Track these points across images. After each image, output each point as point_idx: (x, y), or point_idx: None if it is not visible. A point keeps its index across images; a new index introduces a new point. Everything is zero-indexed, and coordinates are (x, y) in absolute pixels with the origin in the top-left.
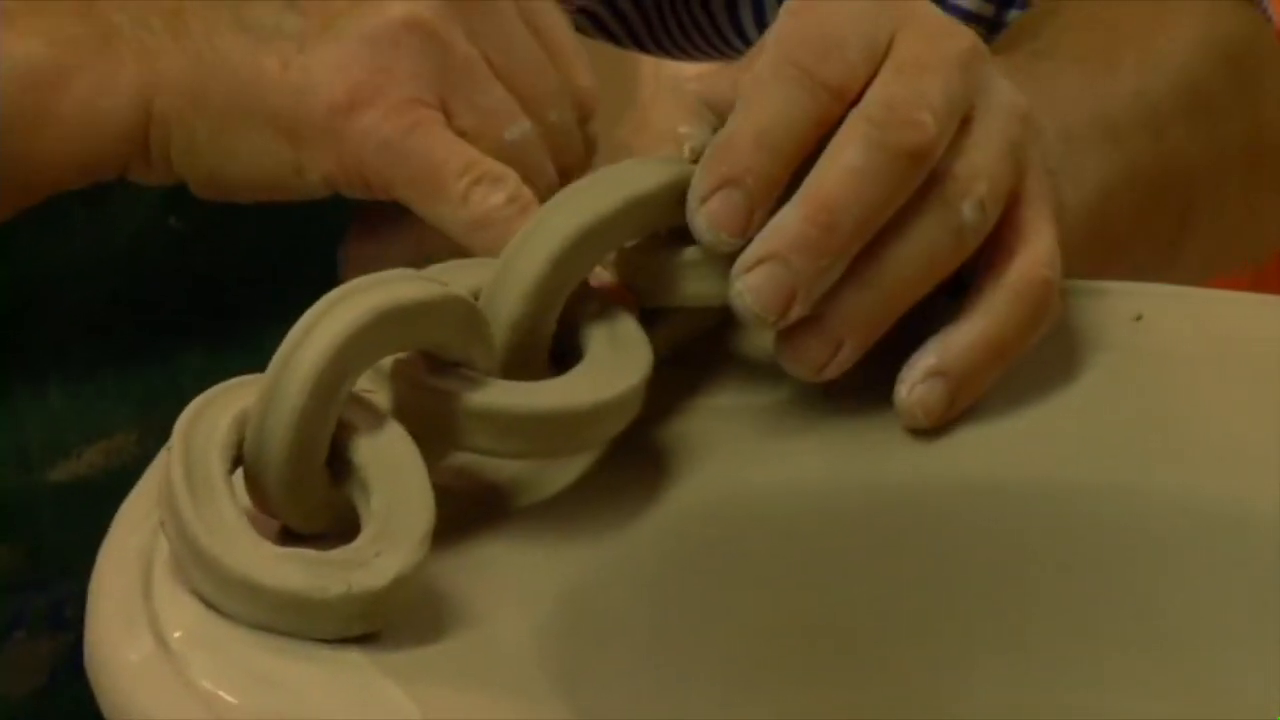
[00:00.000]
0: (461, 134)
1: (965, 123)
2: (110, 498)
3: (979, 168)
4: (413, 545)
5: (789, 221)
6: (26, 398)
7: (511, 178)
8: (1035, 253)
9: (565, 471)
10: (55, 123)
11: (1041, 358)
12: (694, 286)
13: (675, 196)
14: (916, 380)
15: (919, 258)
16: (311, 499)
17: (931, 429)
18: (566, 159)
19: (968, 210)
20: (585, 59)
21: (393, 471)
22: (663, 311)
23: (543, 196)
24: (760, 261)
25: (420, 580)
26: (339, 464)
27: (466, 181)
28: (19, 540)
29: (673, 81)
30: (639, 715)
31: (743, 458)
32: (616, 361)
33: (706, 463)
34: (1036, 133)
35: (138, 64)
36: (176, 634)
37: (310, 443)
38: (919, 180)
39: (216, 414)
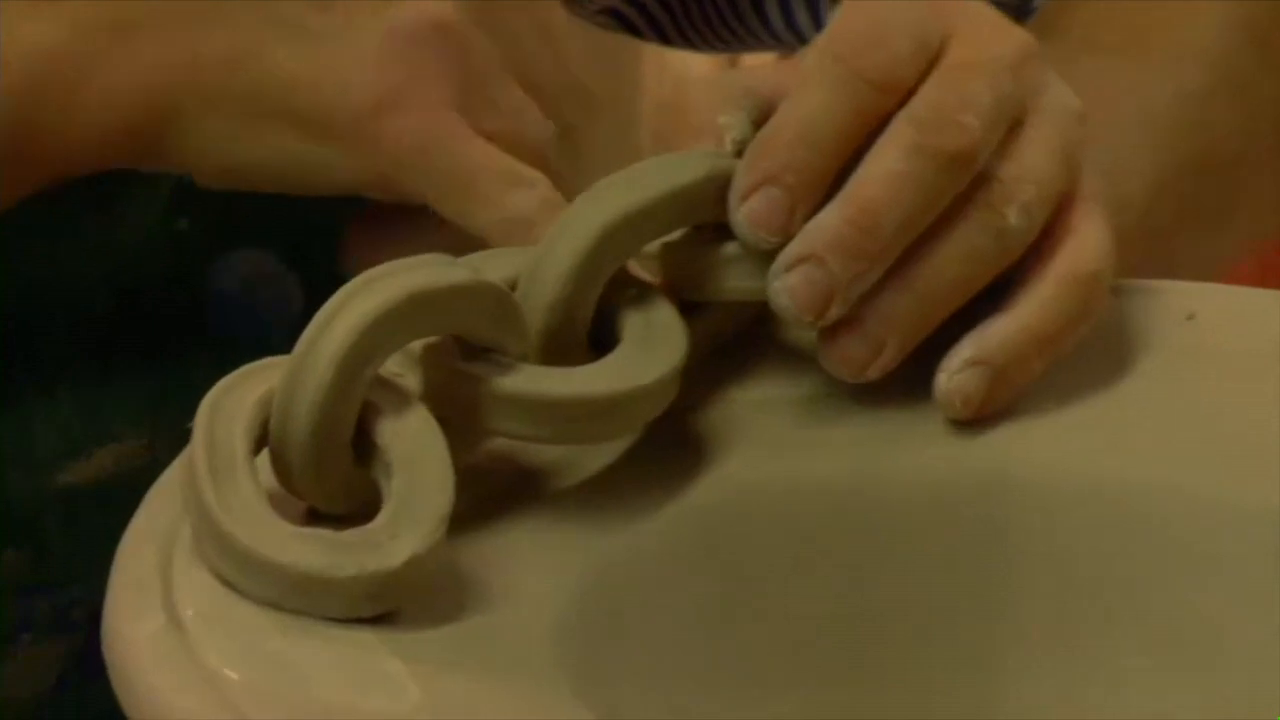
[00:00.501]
0: (486, 136)
1: (1016, 125)
2: (119, 501)
3: (1027, 171)
4: (428, 528)
5: (829, 222)
6: (35, 402)
7: (542, 181)
8: (1084, 247)
9: (596, 458)
10: (73, 108)
11: (1092, 356)
12: (734, 281)
13: (716, 190)
14: (955, 369)
15: (961, 261)
16: (335, 480)
17: (971, 420)
18: (582, 160)
19: (1013, 215)
20: (597, 61)
21: (414, 454)
22: (702, 305)
23: (569, 196)
24: (799, 262)
25: (436, 563)
26: (363, 445)
27: (501, 185)
28: (26, 543)
29: (711, 74)
30: (654, 709)
31: (775, 450)
32: (651, 348)
33: (738, 455)
34: (1089, 133)
35: (158, 53)
36: (189, 611)
37: (334, 423)
38: (962, 184)
39: (242, 394)
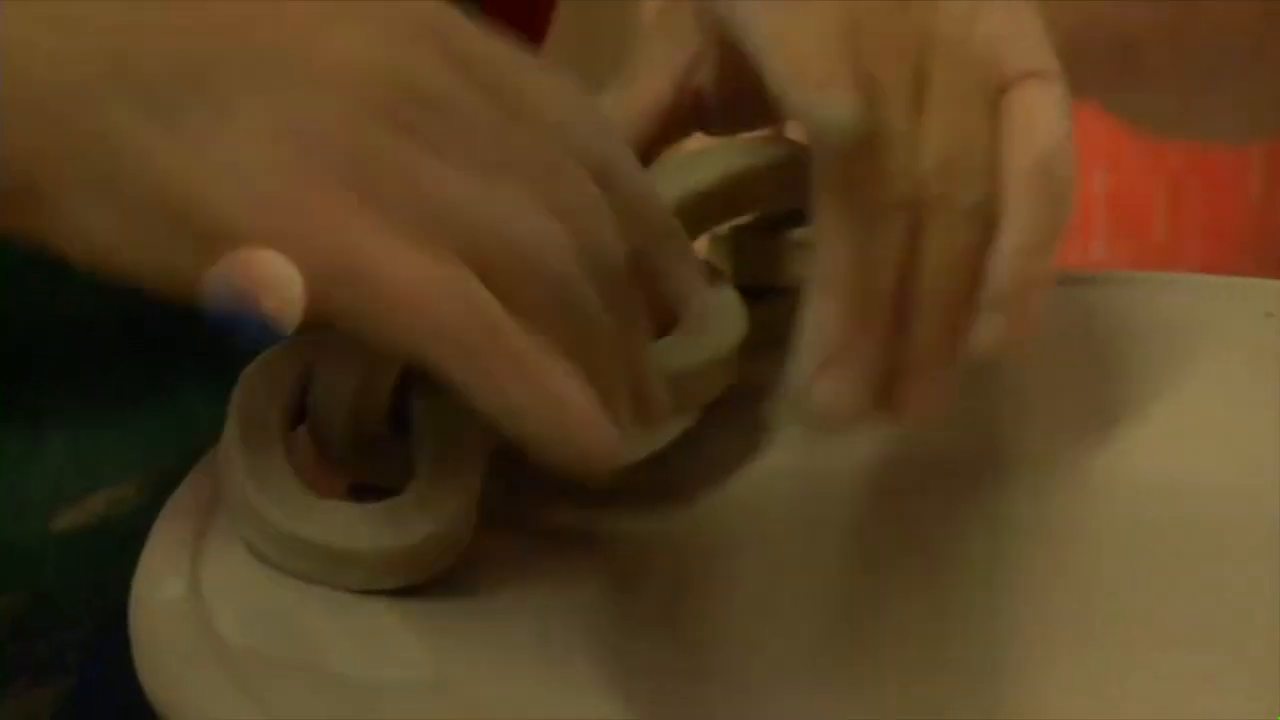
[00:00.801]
0: (401, 223)
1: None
2: (114, 545)
3: (952, 142)
4: (453, 505)
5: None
6: (28, 447)
7: (471, 284)
8: (1036, 140)
9: (648, 443)
10: None
11: (1170, 353)
12: (797, 268)
13: (781, 177)
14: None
15: (948, 271)
16: (372, 454)
17: (1012, 362)
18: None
19: (963, 196)
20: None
21: (445, 431)
22: (767, 291)
23: (556, 252)
24: (820, 374)
25: (461, 540)
26: (401, 420)
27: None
28: (22, 588)
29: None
30: (675, 696)
31: (813, 440)
32: (709, 330)
33: (784, 442)
34: None
35: (24, 123)
36: (211, 579)
37: (372, 397)
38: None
39: (281, 367)
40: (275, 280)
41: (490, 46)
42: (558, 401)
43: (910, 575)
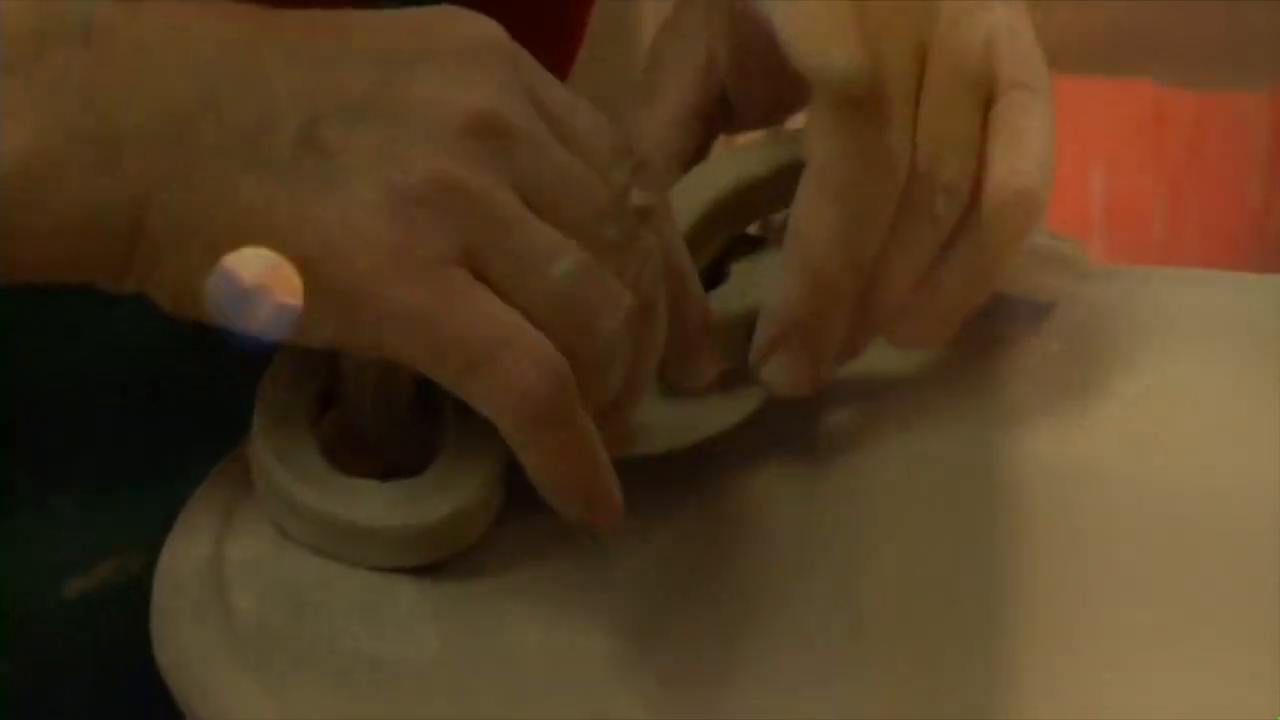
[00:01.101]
0: (499, 282)
1: (922, 69)
2: (121, 612)
3: (942, 147)
4: (473, 486)
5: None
6: (37, 515)
7: (544, 348)
8: (1017, 169)
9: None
10: (41, 221)
11: (1165, 348)
12: None
13: (789, 179)
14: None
15: (908, 268)
16: (399, 437)
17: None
18: (636, 266)
19: (940, 203)
20: (632, 158)
21: (468, 413)
22: None
23: (629, 315)
24: (773, 348)
25: (483, 520)
26: (427, 402)
27: (498, 352)
28: (25, 655)
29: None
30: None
31: (860, 431)
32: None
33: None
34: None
35: (138, 174)
36: (235, 549)
37: (398, 380)
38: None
39: (308, 352)
40: (278, 279)
41: (551, 82)
42: (600, 487)
43: (902, 573)
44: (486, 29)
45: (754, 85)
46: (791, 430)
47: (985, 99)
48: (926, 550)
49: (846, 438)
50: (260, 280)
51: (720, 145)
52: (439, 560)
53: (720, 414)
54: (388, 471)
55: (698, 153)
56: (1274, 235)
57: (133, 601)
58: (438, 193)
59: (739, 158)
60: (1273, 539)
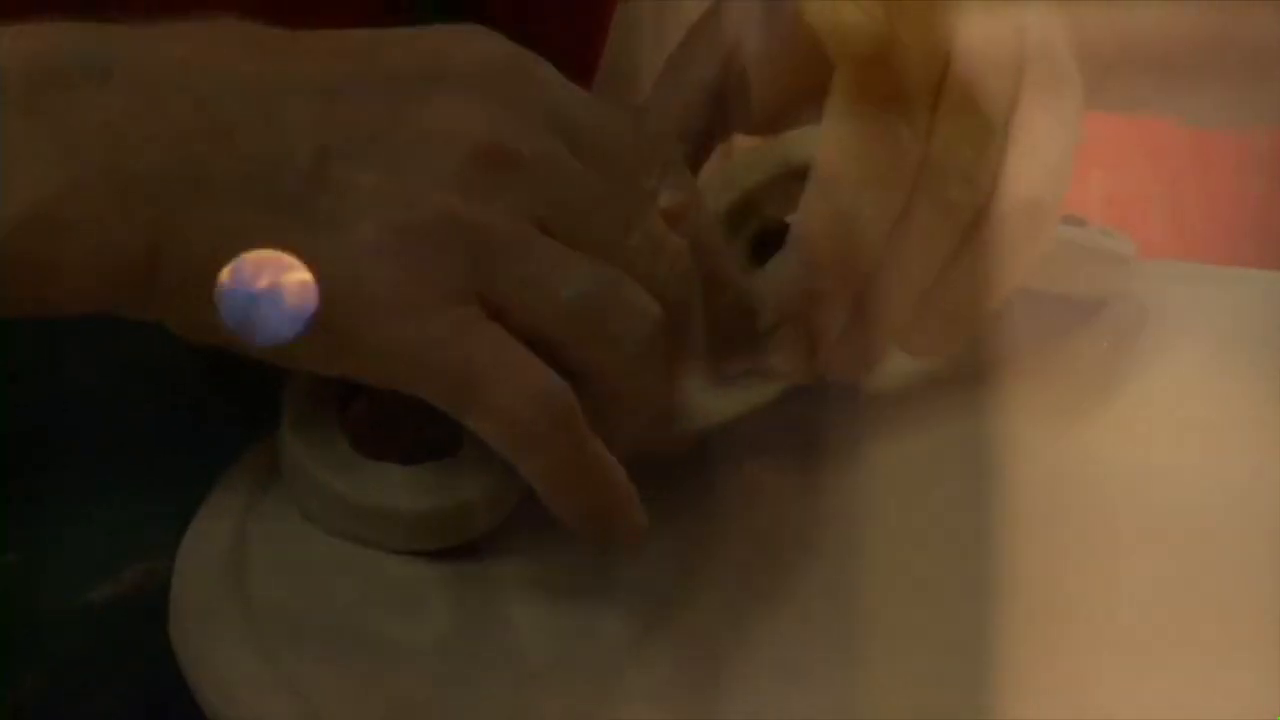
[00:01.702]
0: (513, 308)
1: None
2: (144, 618)
3: (960, 130)
4: (493, 471)
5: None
6: (64, 520)
7: (533, 376)
8: (1027, 175)
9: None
10: (63, 259)
11: (1160, 343)
12: None
13: (785, 185)
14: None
15: (921, 258)
16: (424, 422)
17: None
18: (664, 269)
19: (954, 189)
20: (660, 159)
21: None
22: None
23: (655, 322)
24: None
25: (504, 506)
26: None
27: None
28: (53, 661)
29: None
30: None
31: (864, 426)
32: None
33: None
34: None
35: (153, 214)
36: (257, 534)
37: None
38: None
39: None
40: (289, 280)
41: (570, 95)
42: (614, 506)
43: (895, 571)
44: (501, 48)
45: (771, 79)
46: (794, 424)
47: (1009, 101)
48: (930, 545)
49: (849, 433)
50: (271, 283)
51: (719, 155)
52: (460, 544)
53: (733, 403)
54: (414, 456)
55: (709, 136)
56: (1276, 236)
57: (161, 606)
58: (442, 229)
59: (744, 161)
60: (1265, 537)
